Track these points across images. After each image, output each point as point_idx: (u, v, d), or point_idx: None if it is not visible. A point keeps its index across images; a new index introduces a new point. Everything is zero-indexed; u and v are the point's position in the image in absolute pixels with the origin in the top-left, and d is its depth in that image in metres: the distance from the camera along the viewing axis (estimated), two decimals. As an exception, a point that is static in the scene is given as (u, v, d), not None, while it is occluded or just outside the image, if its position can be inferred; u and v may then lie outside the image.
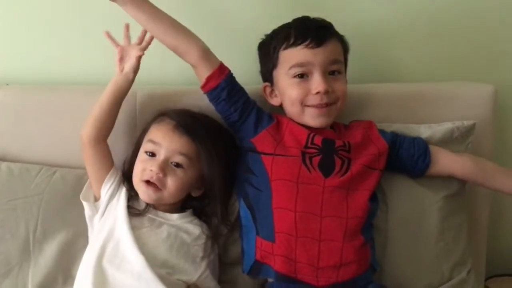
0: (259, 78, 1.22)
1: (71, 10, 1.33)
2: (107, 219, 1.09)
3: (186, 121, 1.12)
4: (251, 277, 1.13)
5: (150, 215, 1.11)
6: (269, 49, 1.16)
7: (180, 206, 1.15)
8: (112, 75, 1.35)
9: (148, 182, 1.08)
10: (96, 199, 1.12)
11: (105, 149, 1.14)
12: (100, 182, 1.11)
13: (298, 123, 1.15)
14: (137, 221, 1.09)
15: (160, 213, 1.11)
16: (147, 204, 1.11)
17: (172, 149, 1.09)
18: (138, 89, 1.24)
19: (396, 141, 1.18)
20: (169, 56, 1.30)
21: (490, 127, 1.30)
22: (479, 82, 1.35)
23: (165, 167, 1.08)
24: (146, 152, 1.10)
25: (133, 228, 1.06)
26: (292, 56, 1.13)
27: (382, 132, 1.19)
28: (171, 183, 1.08)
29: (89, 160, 1.13)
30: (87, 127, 1.12)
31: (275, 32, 1.17)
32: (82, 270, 1.05)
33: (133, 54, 1.14)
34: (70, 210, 1.14)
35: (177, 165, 1.09)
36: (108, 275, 1.01)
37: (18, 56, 1.35)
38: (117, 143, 1.20)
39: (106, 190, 1.11)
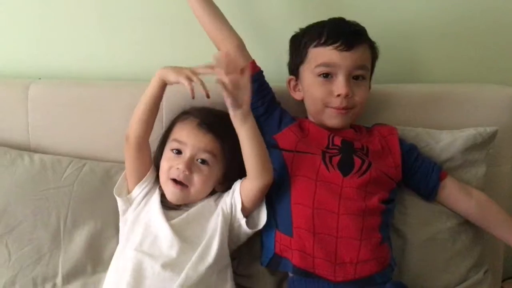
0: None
1: (99, 9, 1.37)
2: (141, 212, 1.12)
3: (210, 119, 1.14)
4: (270, 270, 1.15)
5: (184, 207, 1.14)
6: (299, 44, 1.18)
7: None
8: (137, 70, 1.39)
9: (175, 180, 1.11)
10: (129, 192, 1.15)
11: (148, 148, 1.15)
12: (137, 180, 1.14)
13: (317, 123, 1.18)
14: (174, 213, 1.11)
15: (192, 204, 1.14)
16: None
17: (197, 147, 1.11)
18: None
19: (412, 166, 1.18)
20: (194, 54, 1.33)
21: (511, 130, 1.29)
22: (500, 84, 1.35)
23: (191, 165, 1.10)
24: (172, 150, 1.13)
25: (170, 219, 1.09)
26: (320, 55, 1.15)
27: (402, 143, 1.20)
28: (197, 180, 1.11)
29: (131, 159, 1.14)
30: (134, 127, 1.12)
31: (309, 28, 1.19)
32: (119, 261, 1.08)
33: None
34: (98, 201, 1.18)
35: (203, 161, 1.11)
36: (147, 267, 1.04)
37: (50, 52, 1.39)
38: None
39: (141, 188, 1.14)
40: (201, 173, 1.11)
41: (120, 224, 1.14)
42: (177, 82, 1.06)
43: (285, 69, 1.25)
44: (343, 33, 1.14)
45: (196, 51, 1.34)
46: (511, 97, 1.30)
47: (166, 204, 1.13)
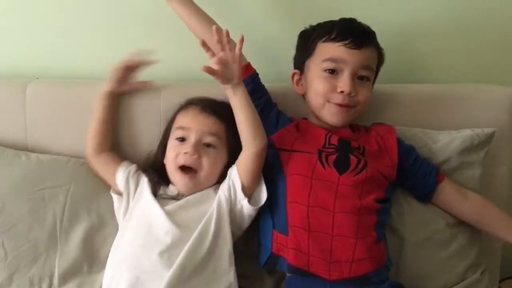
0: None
1: (100, 8, 1.37)
2: (134, 208, 1.12)
3: (212, 103, 1.16)
4: (267, 269, 1.15)
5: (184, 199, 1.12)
6: (308, 39, 1.19)
7: None
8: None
9: (183, 168, 1.11)
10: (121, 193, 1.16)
11: (108, 154, 1.19)
12: (114, 184, 1.16)
13: (315, 123, 1.19)
14: (171, 201, 1.11)
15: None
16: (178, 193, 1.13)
17: (202, 130, 1.12)
18: (163, 86, 1.27)
19: (410, 168, 1.18)
20: (192, 53, 1.33)
21: (509, 131, 1.29)
22: (499, 84, 1.35)
23: (198, 148, 1.11)
24: (177, 139, 1.13)
25: (164, 206, 1.09)
26: (328, 50, 1.16)
27: (400, 143, 1.20)
28: (206, 163, 1.11)
29: (100, 171, 1.19)
30: (89, 143, 1.19)
31: (319, 25, 1.20)
32: (116, 257, 1.07)
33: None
34: (95, 200, 1.18)
35: (209, 145, 1.12)
36: (143, 259, 1.03)
37: (48, 52, 1.39)
38: (142, 139, 1.25)
39: (124, 187, 1.14)
40: (208, 156, 1.12)
41: (118, 221, 1.14)
42: (110, 85, 1.20)
43: (281, 70, 1.26)
44: (354, 31, 1.15)
45: (193, 51, 1.34)
46: (510, 98, 1.29)
47: (164, 196, 1.12)
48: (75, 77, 1.38)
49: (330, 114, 1.16)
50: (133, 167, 1.18)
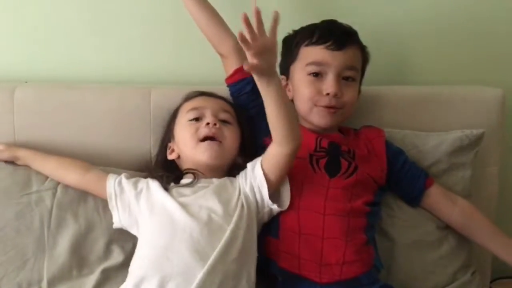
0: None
1: (88, 11, 1.36)
2: (145, 211, 1.08)
3: (214, 94, 1.19)
4: (260, 273, 1.14)
5: (203, 183, 1.10)
6: (291, 44, 1.20)
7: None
8: (124, 73, 1.38)
9: (205, 140, 1.09)
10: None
11: (95, 174, 1.16)
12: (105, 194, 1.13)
13: (306, 127, 1.18)
14: (182, 191, 1.09)
15: (204, 180, 1.11)
16: (194, 177, 1.10)
17: (216, 107, 1.14)
18: (152, 89, 1.27)
19: (398, 171, 1.18)
20: (183, 55, 1.33)
21: (498, 131, 1.30)
22: (488, 85, 1.36)
23: (217, 121, 1.12)
24: (189, 120, 1.13)
25: (178, 198, 1.06)
26: (311, 54, 1.16)
27: (389, 146, 1.20)
28: (228, 134, 1.12)
29: (89, 191, 1.17)
30: (70, 172, 1.16)
31: (301, 29, 1.21)
32: (139, 263, 1.03)
33: None
34: (82, 204, 1.16)
35: (224, 121, 1.14)
36: (173, 257, 0.99)
37: (37, 55, 1.38)
38: (132, 143, 1.24)
39: (119, 192, 1.12)
40: (227, 129, 1.13)
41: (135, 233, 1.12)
42: None
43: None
44: (335, 33, 1.16)
45: (184, 53, 1.35)
46: (498, 99, 1.31)
47: (176, 185, 1.10)
48: (63, 80, 1.37)
49: (318, 117, 1.16)
50: (123, 174, 1.15)
